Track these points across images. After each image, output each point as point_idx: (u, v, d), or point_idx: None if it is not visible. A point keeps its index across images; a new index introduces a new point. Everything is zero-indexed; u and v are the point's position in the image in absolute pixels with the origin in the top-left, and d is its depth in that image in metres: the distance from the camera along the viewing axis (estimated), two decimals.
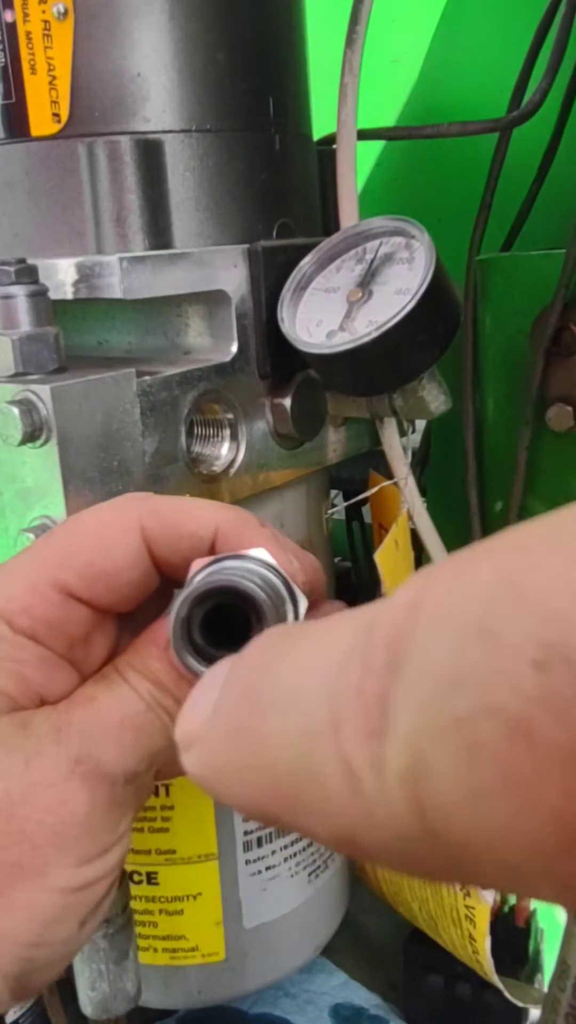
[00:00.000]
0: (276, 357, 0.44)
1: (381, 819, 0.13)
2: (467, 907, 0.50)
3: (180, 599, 0.25)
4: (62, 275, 0.39)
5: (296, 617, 0.26)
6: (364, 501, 0.52)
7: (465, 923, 0.51)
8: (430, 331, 0.42)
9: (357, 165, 0.46)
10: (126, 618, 0.30)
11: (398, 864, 0.13)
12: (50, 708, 0.27)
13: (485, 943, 0.50)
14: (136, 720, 0.27)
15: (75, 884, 0.25)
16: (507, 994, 0.54)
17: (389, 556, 0.46)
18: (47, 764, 0.25)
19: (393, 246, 0.43)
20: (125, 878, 0.44)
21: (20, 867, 0.24)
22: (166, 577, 0.30)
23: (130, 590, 0.29)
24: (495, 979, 0.52)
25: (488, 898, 0.49)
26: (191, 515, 0.29)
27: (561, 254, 0.48)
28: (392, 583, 0.46)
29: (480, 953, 0.51)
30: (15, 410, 0.33)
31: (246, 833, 0.49)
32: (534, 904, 0.58)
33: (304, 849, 0.53)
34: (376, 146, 0.68)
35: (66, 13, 0.40)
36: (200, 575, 0.26)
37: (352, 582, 0.77)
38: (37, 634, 0.28)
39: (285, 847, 0.52)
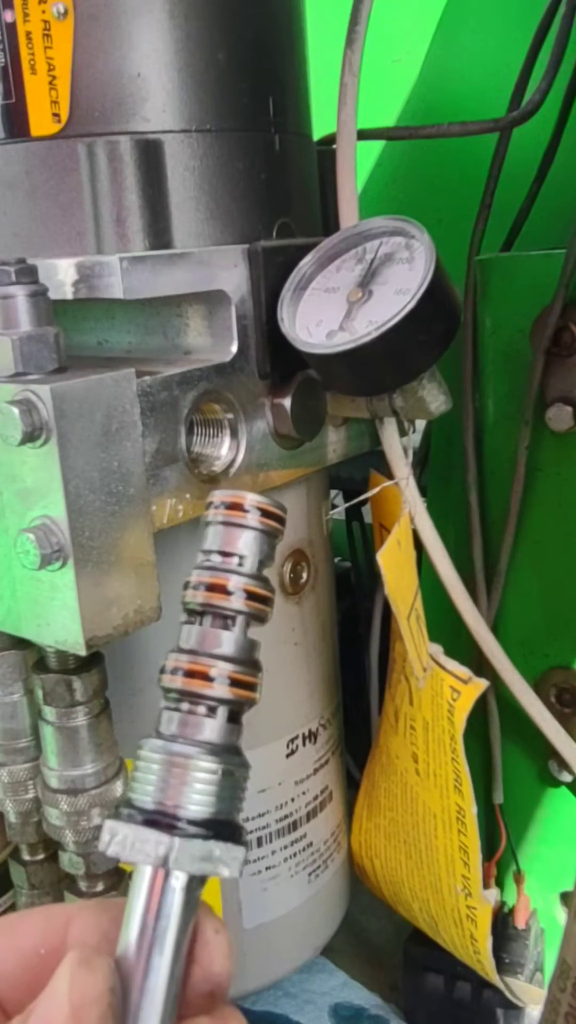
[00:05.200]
0: (276, 357, 0.44)
1: None
2: (469, 907, 0.50)
3: None
4: (62, 275, 0.39)
5: None
6: (364, 501, 0.52)
7: (467, 923, 0.51)
8: (430, 331, 0.42)
9: (357, 165, 0.46)
10: None
11: None
12: None
13: (487, 943, 0.50)
14: None
15: None
16: (507, 994, 0.54)
17: (392, 556, 0.46)
18: None
19: (393, 246, 0.43)
20: (125, 878, 0.44)
21: None
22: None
23: None
24: (496, 979, 0.52)
25: (490, 898, 0.49)
26: (17, 927, 0.27)
27: (561, 254, 0.48)
28: (394, 583, 0.46)
29: (482, 953, 0.51)
30: (15, 410, 0.33)
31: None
32: (534, 905, 0.58)
33: (304, 849, 0.53)
34: (376, 146, 0.68)
35: (66, 13, 0.40)
36: None
37: (352, 582, 0.78)
38: None
39: (285, 847, 0.52)
